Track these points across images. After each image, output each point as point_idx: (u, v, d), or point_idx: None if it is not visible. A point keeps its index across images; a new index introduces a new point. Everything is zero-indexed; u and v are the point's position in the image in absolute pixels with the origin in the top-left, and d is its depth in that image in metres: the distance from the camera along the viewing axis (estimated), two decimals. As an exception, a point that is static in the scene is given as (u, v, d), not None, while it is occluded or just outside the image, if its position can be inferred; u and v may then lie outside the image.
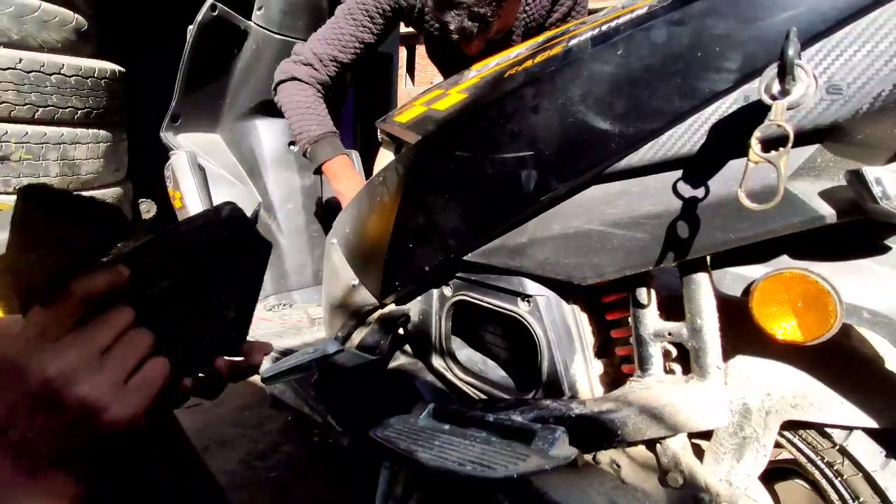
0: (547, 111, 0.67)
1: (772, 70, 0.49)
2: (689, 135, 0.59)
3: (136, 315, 0.39)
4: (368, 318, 1.08)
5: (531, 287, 0.76)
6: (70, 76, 2.00)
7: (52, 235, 0.33)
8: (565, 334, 0.76)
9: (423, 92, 1.06)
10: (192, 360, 0.47)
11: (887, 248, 0.58)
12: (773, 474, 0.73)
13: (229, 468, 1.49)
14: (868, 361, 0.64)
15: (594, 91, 0.63)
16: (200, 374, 0.49)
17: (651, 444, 0.69)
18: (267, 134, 1.78)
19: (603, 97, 0.63)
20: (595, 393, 0.77)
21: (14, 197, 1.92)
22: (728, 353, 0.66)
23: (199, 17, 1.50)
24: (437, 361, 0.95)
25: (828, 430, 0.63)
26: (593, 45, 0.64)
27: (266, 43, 1.64)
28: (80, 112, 2.05)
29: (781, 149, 0.48)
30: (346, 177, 1.25)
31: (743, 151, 0.51)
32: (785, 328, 0.55)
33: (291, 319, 1.63)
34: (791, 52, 0.46)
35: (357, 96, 2.79)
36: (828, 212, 0.53)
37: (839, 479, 0.62)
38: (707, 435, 0.68)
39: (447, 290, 0.89)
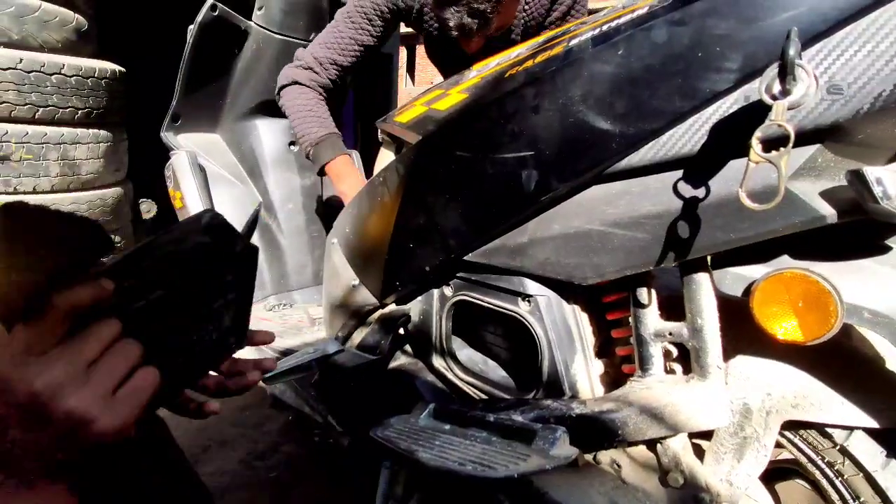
0: (547, 111, 0.67)
1: (772, 70, 0.49)
2: (689, 135, 0.59)
3: (126, 327, 0.39)
4: (369, 318, 1.08)
5: (532, 287, 0.76)
6: (70, 76, 2.00)
7: (31, 252, 0.33)
8: (566, 334, 0.76)
9: (423, 92, 1.06)
10: (191, 368, 0.48)
11: (888, 248, 0.58)
12: (774, 474, 0.73)
13: (229, 468, 1.49)
14: (869, 361, 0.64)
15: (595, 91, 0.63)
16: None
17: (652, 444, 0.69)
18: (267, 134, 1.78)
19: (603, 97, 0.63)
20: (596, 393, 0.77)
21: (14, 197, 1.93)
22: (729, 352, 0.66)
23: (200, 17, 1.50)
24: (438, 361, 0.95)
25: (828, 430, 0.63)
26: (594, 45, 0.64)
27: (266, 43, 1.64)
28: (80, 112, 2.05)
29: (782, 149, 0.48)
30: (348, 177, 1.26)
31: (743, 151, 0.51)
32: (786, 328, 0.55)
33: (292, 319, 1.63)
34: (792, 51, 0.46)
35: (357, 96, 2.78)
36: (828, 212, 0.53)
37: (840, 479, 0.62)
38: (708, 435, 0.68)
39: (448, 290, 0.89)
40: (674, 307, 0.68)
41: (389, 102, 3.40)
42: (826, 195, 0.54)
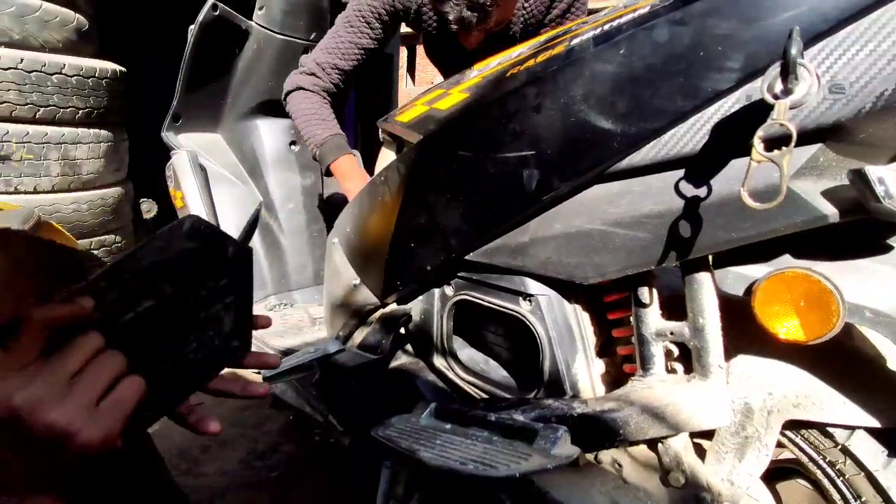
0: (549, 110, 0.67)
1: (774, 69, 0.49)
2: (691, 134, 0.59)
3: (115, 340, 0.39)
4: (370, 317, 1.08)
5: (533, 286, 0.76)
6: (71, 76, 2.00)
7: (3, 274, 0.33)
8: (567, 334, 0.76)
9: (424, 91, 1.06)
10: (196, 375, 0.48)
11: (890, 248, 0.58)
12: (775, 474, 0.73)
13: (229, 468, 1.49)
14: (870, 361, 0.64)
15: (596, 90, 0.63)
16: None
17: (653, 444, 0.69)
18: (268, 134, 1.78)
19: (605, 96, 0.63)
20: (597, 392, 0.77)
21: (15, 197, 1.93)
22: (730, 352, 0.66)
23: (201, 17, 1.51)
24: (439, 361, 0.95)
25: (830, 429, 0.63)
26: (595, 44, 0.64)
27: (267, 43, 1.65)
28: (81, 112, 2.05)
29: (784, 148, 0.48)
30: (353, 176, 1.28)
31: (745, 151, 0.51)
32: (787, 327, 0.55)
33: (292, 319, 1.63)
34: (794, 51, 0.46)
35: (358, 97, 2.79)
36: (830, 211, 0.53)
37: (841, 478, 0.62)
38: (709, 434, 0.68)
39: (449, 290, 0.89)
40: (675, 307, 0.68)
41: (390, 102, 3.40)
42: (828, 194, 0.54)
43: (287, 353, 1.21)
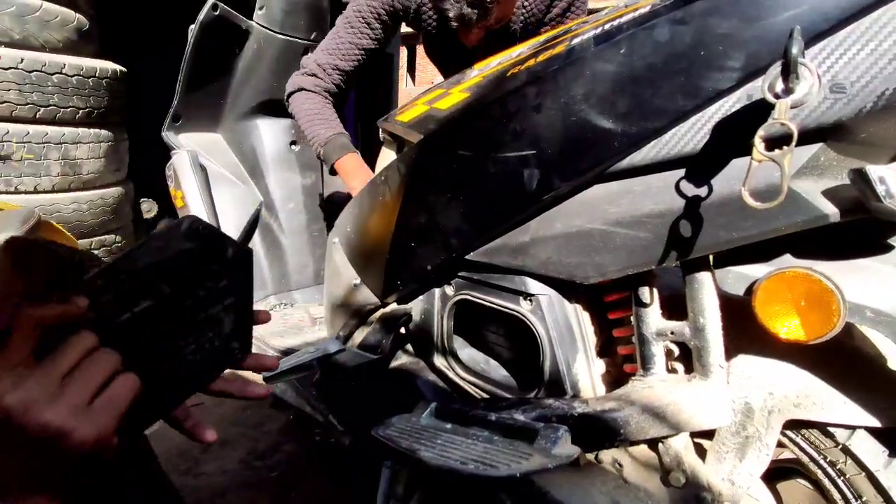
0: (549, 110, 0.67)
1: (775, 68, 0.49)
2: (692, 134, 0.59)
3: (112, 340, 0.39)
4: (370, 317, 1.07)
5: (533, 286, 0.76)
6: (71, 76, 2.00)
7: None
8: (567, 333, 0.76)
9: (424, 91, 1.06)
10: (195, 376, 0.47)
11: (890, 247, 0.58)
12: (776, 474, 0.73)
13: (230, 468, 1.49)
14: (871, 360, 0.64)
15: (597, 90, 0.63)
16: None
17: (653, 444, 0.69)
18: (268, 133, 1.78)
19: (606, 96, 0.63)
20: (597, 392, 0.77)
21: (15, 196, 1.93)
22: (731, 352, 0.66)
23: (201, 17, 1.51)
24: (439, 361, 0.95)
25: (830, 429, 0.63)
26: (596, 43, 0.64)
27: (267, 42, 1.65)
28: (81, 112, 2.05)
29: (785, 147, 0.48)
30: (358, 173, 1.28)
31: (746, 150, 0.51)
32: (788, 327, 0.55)
33: (293, 319, 1.63)
34: (795, 50, 0.46)
35: (358, 97, 2.78)
36: (831, 210, 0.53)
37: (842, 478, 0.62)
38: (709, 434, 0.68)
39: (449, 290, 0.89)
40: (676, 306, 0.68)
41: (390, 102, 3.40)
42: (829, 194, 0.54)
43: (287, 352, 1.21)
